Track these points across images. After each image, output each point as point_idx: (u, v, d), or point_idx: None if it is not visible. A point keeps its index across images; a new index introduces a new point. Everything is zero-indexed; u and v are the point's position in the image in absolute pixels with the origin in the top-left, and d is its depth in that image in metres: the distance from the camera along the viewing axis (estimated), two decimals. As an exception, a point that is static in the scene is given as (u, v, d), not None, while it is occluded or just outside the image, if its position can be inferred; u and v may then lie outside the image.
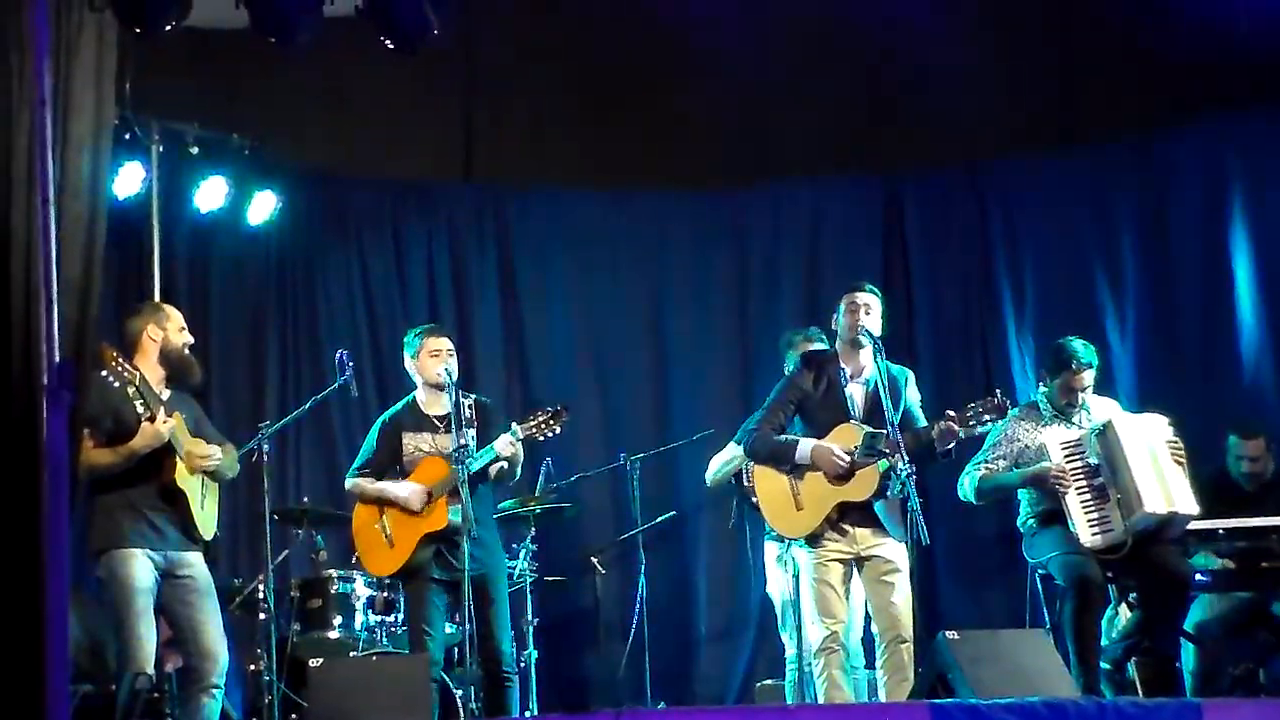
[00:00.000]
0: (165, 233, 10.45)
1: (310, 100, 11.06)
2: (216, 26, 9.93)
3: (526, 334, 11.56)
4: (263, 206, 10.77)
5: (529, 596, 9.57)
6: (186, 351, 7.77)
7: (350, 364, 8.62)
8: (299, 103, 11.04)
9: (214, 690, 7.52)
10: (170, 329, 7.76)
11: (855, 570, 7.98)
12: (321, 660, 7.72)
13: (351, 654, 9.12)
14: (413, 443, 8.33)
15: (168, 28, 7.49)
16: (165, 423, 7.49)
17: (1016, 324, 11.26)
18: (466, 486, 7.90)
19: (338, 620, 9.33)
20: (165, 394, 7.73)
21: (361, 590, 9.40)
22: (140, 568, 7.45)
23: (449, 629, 8.72)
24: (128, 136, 9.97)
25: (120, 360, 7.51)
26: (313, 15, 7.98)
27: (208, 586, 7.67)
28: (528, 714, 8.37)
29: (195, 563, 7.65)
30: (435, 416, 8.36)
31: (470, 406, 8.21)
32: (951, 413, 7.79)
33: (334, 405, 10.57)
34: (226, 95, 10.80)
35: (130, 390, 7.49)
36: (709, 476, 9.63)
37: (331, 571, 9.49)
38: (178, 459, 7.57)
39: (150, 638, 7.43)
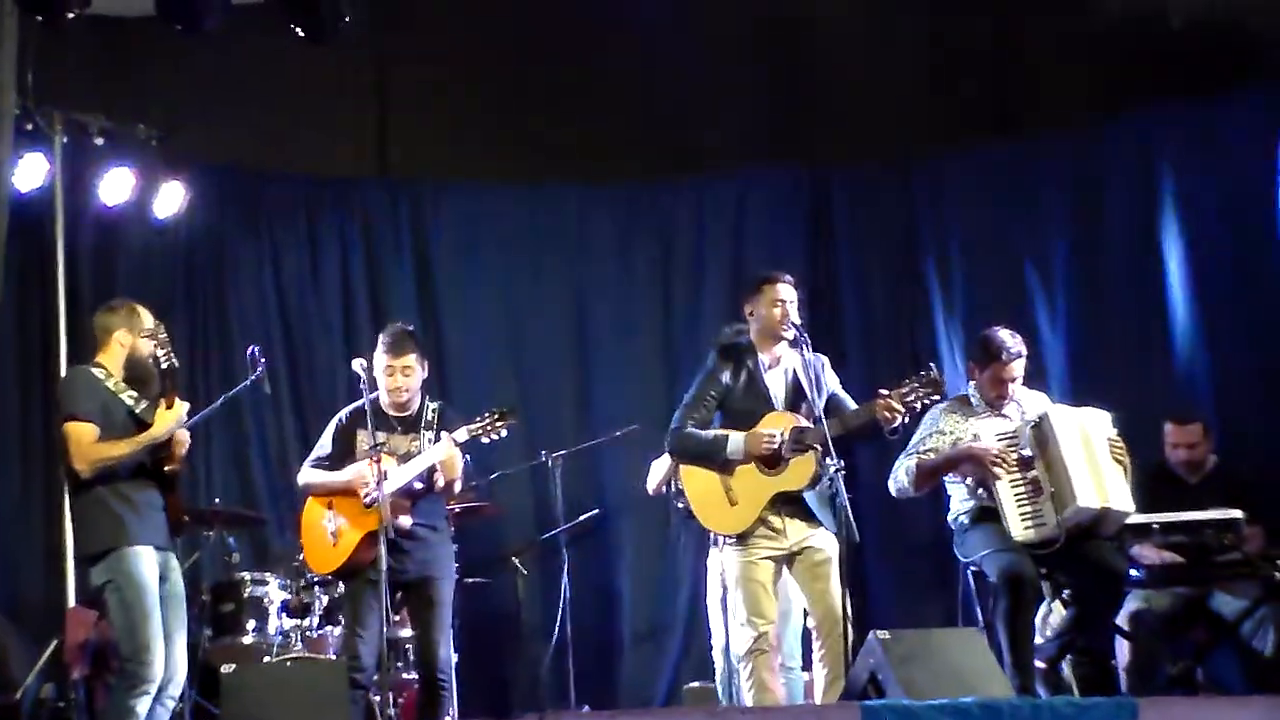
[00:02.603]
0: (69, 227, 10.29)
1: (221, 92, 10.88)
2: (122, 14, 9.83)
3: (444, 331, 11.44)
4: (170, 200, 10.58)
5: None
6: (150, 363, 7.57)
7: (263, 361, 8.40)
8: (209, 94, 10.86)
9: (169, 701, 7.41)
10: (142, 336, 7.60)
11: (786, 567, 7.90)
12: (234, 666, 7.67)
13: (265, 659, 9.02)
14: (368, 440, 8.15)
15: (71, 15, 7.34)
16: (184, 404, 7.43)
17: (945, 315, 11.26)
18: (383, 487, 7.78)
19: (251, 624, 9.24)
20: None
21: (275, 593, 9.32)
22: (150, 565, 7.33)
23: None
24: (30, 127, 9.82)
25: (169, 347, 7.49)
26: (219, 2, 7.83)
27: (183, 593, 7.58)
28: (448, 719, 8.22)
29: (177, 566, 7.57)
30: (395, 417, 8.23)
31: (434, 411, 8.19)
32: (885, 390, 7.71)
33: (246, 403, 10.47)
34: (133, 85, 10.65)
35: (115, 385, 7.46)
36: (651, 485, 9.48)
37: (244, 574, 9.40)
38: (174, 449, 7.50)
39: (162, 650, 7.26)
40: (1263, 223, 10.17)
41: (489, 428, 8.05)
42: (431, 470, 8.03)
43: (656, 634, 11.16)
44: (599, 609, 11.12)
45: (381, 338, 8.28)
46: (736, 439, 7.91)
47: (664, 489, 9.37)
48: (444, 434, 8.03)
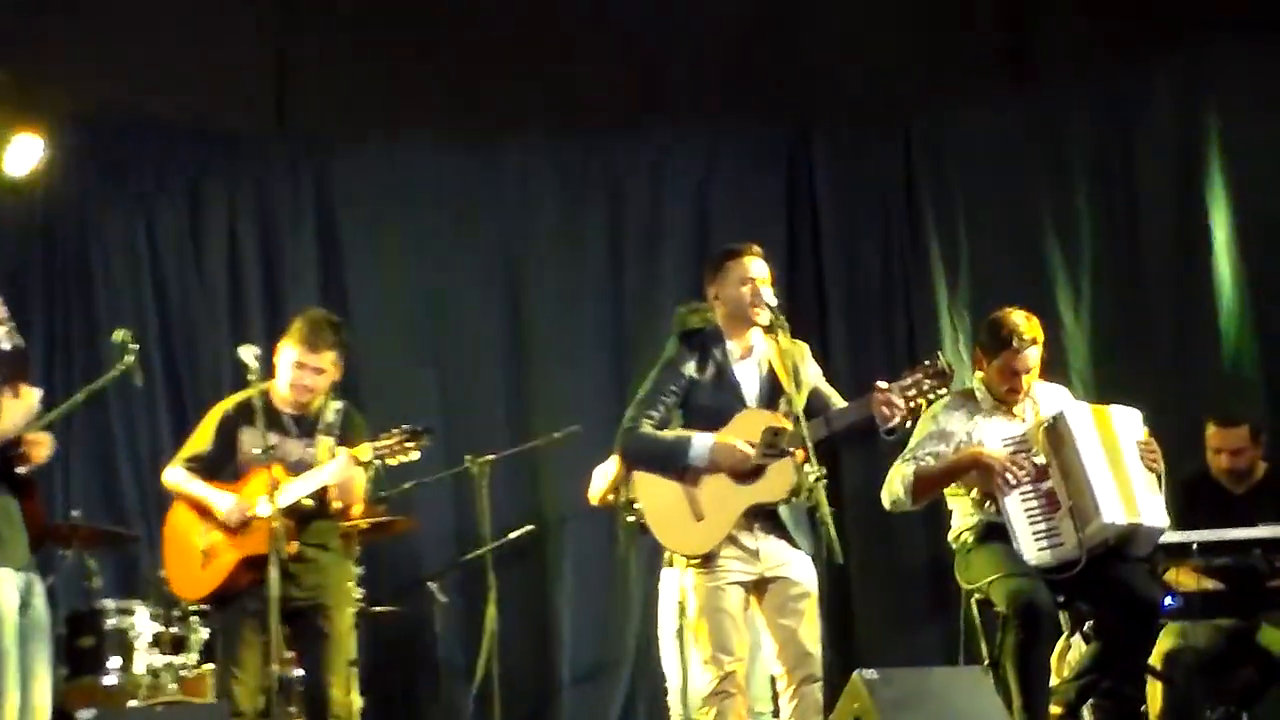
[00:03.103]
0: (-97, 188, 10.25)
1: (86, 29, 10.88)
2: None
3: (352, 312, 11.33)
4: (25, 155, 10.49)
5: (353, 631, 9.22)
6: None
7: (134, 347, 8.32)
8: (72, 32, 10.85)
9: None
10: None
11: (754, 596, 7.75)
12: (94, 711, 7.58)
13: (131, 703, 9.01)
14: (253, 441, 8.10)
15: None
16: (35, 391, 7.31)
17: (950, 295, 11.26)
18: (276, 507, 7.72)
19: (114, 662, 9.22)
20: None
21: (144, 625, 9.29)
22: (8, 592, 7.22)
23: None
24: None
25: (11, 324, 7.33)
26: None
27: (47, 623, 7.48)
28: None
29: (41, 590, 7.45)
30: (290, 415, 8.21)
31: (337, 413, 8.19)
32: (883, 383, 7.53)
33: (113, 397, 10.45)
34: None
35: None
36: (594, 494, 9.41)
37: (107, 602, 9.37)
38: (31, 450, 7.38)
39: (16, 695, 7.13)
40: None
41: (397, 448, 7.98)
42: (324, 490, 8.01)
43: (601, 673, 11.14)
44: (532, 643, 11.12)
45: (297, 325, 8.23)
46: (702, 442, 7.71)
47: (612, 498, 9.28)
48: (343, 451, 7.97)
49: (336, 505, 8.09)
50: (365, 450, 7.94)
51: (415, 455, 8.02)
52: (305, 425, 8.16)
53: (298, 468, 8.00)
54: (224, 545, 8.03)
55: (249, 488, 8.05)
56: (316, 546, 8.07)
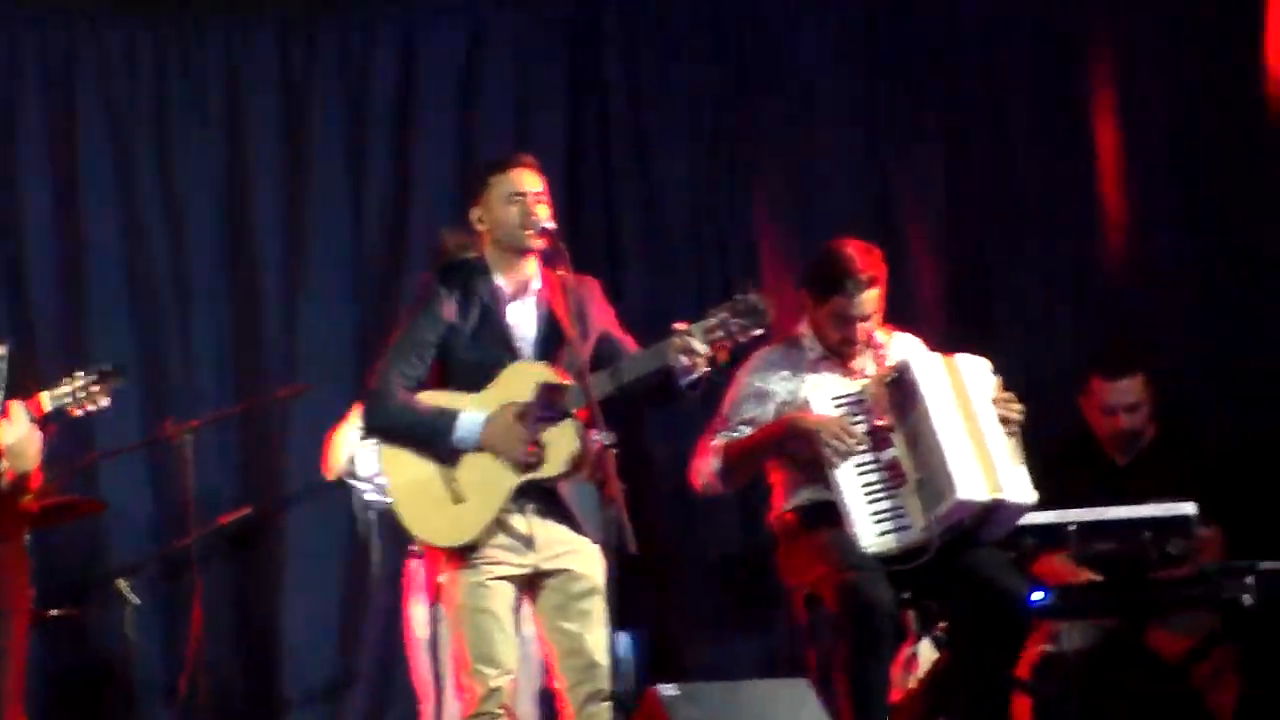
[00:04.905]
0: None
1: None
2: None
3: (24, 231, 11.29)
4: None
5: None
6: None
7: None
8: None
9: None
10: None
11: (528, 595, 7.91)
12: None
13: None
14: None
15: None
16: None
17: (777, 215, 11.27)
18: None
19: None
20: None
21: None
22: None
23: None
24: None
25: None
26: None
27: None
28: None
29: None
30: None
31: (2, 359, 8.07)
32: (681, 325, 7.62)
33: None
34: None
35: None
36: (332, 464, 9.51)
37: None
38: None
39: None
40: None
41: (83, 394, 7.96)
42: None
43: (335, 691, 11.08)
44: (249, 653, 11.06)
45: None
46: (471, 421, 7.78)
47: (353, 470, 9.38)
48: (15, 405, 7.91)
49: (9, 479, 7.98)
50: (44, 400, 7.89)
51: (105, 400, 7.97)
52: None
53: None
54: None
55: None
56: None
